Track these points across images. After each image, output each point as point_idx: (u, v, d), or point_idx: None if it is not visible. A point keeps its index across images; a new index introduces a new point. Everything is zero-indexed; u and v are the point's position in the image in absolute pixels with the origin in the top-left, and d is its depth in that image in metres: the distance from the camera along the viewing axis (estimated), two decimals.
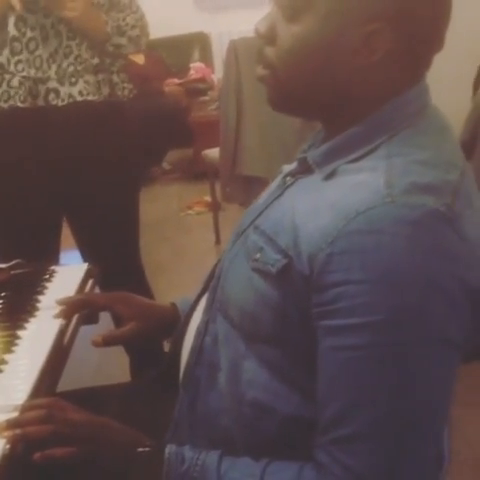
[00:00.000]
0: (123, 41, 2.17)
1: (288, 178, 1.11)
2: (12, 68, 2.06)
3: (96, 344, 1.32)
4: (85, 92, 2.11)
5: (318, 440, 0.96)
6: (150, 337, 1.42)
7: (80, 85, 2.11)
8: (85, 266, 1.70)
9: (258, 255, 1.04)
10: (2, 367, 1.23)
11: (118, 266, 2.24)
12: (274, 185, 1.16)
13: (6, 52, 2.06)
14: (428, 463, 0.97)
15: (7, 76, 2.07)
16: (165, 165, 6.21)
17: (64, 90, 2.09)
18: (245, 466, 1.02)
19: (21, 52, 2.06)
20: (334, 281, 0.93)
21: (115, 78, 2.21)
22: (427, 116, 1.03)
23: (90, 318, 1.57)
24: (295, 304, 0.98)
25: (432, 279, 0.91)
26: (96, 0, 2.12)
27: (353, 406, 0.93)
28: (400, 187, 0.93)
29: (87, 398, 1.20)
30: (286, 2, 1.01)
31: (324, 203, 0.97)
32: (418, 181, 0.94)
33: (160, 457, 1.04)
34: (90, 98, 2.12)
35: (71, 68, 2.09)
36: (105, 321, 1.69)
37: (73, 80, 2.10)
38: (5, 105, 2.08)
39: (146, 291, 2.38)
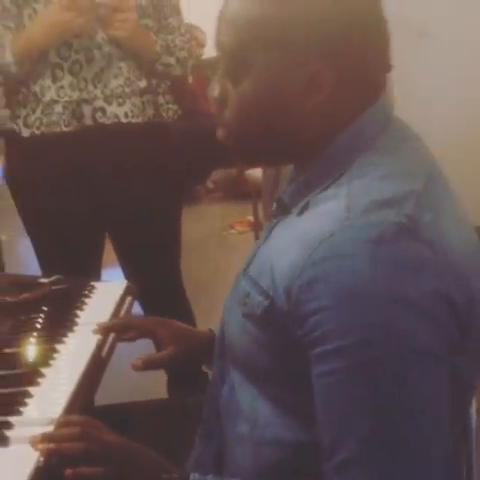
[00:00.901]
0: (172, 61, 2.20)
1: (273, 220, 1.13)
2: (53, 95, 2.09)
3: (136, 368, 1.35)
4: (130, 114, 2.14)
5: (324, 467, 0.97)
6: (188, 362, 1.43)
7: (126, 107, 2.13)
8: (124, 283, 1.72)
9: (246, 300, 1.06)
10: (40, 380, 1.25)
11: (159, 284, 2.26)
12: (266, 228, 1.18)
13: (45, 80, 2.09)
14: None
15: (42, 104, 2.10)
16: (209, 184, 6.25)
17: (111, 109, 2.12)
18: None
19: (63, 78, 2.09)
20: (308, 311, 0.94)
21: (160, 99, 2.24)
22: (387, 133, 1.04)
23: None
24: (286, 341, 1.00)
25: (398, 294, 0.91)
26: (145, 22, 2.16)
27: (342, 431, 0.93)
28: (359, 208, 0.95)
29: (123, 413, 1.22)
30: (227, 67, 1.04)
31: (294, 238, 0.99)
32: (378, 198, 0.95)
33: None
34: (134, 121, 2.15)
35: (119, 90, 2.12)
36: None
37: (120, 101, 2.13)
38: (38, 131, 2.11)
39: (186, 310, 2.39)
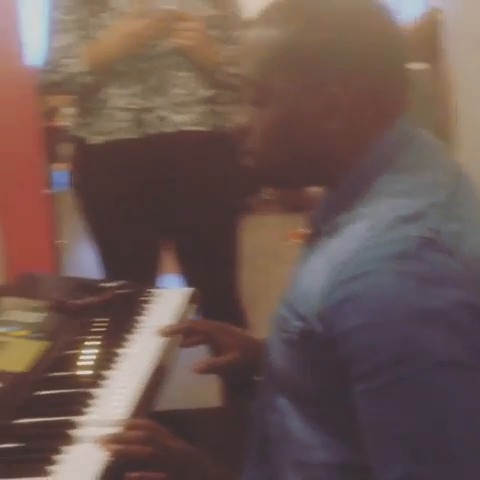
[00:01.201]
0: (233, 71, 2.22)
1: (307, 244, 1.14)
2: (118, 102, 2.14)
3: (199, 371, 1.36)
4: (191, 122, 2.17)
5: None
6: (249, 368, 1.44)
7: (187, 115, 2.17)
8: (189, 291, 1.74)
9: (284, 326, 1.07)
10: (104, 383, 1.28)
11: (217, 294, 2.27)
12: (301, 252, 1.20)
13: (111, 88, 2.14)
14: None
15: (108, 111, 2.15)
16: (265, 196, 6.26)
17: (172, 118, 2.16)
18: None
19: (129, 86, 2.14)
20: (340, 333, 0.95)
21: (222, 109, 2.27)
22: (408, 150, 1.05)
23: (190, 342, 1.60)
24: (325, 364, 1.00)
25: (425, 307, 0.91)
26: (210, 33, 2.19)
27: (389, 449, 0.93)
28: (382, 226, 0.96)
29: (179, 419, 1.23)
30: (249, 93, 1.08)
31: (324, 261, 1.01)
32: (400, 214, 0.96)
33: None
34: (195, 128, 2.18)
35: (181, 98, 2.16)
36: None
37: (182, 109, 2.16)
38: (105, 138, 2.16)
39: (243, 320, 2.40)
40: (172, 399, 1.71)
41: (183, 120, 2.16)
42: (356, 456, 1.02)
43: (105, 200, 2.24)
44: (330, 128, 1.03)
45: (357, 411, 0.97)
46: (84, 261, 4.57)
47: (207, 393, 2.66)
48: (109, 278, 1.75)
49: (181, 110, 2.16)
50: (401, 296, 0.91)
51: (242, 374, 1.58)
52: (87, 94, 2.18)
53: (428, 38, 4.21)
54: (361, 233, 0.97)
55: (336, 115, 1.02)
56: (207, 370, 1.37)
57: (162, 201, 2.25)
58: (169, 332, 1.45)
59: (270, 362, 1.17)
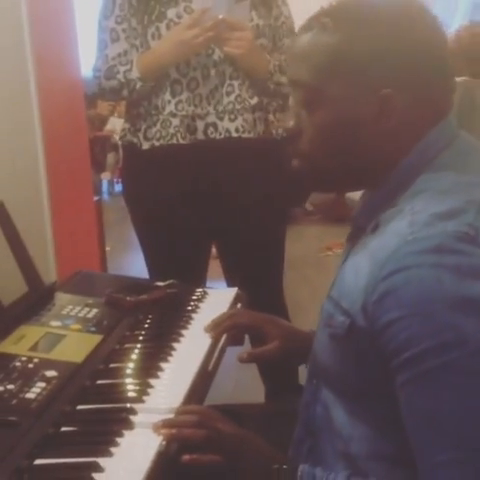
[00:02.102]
0: (284, 80, 2.25)
1: (349, 241, 1.19)
2: (171, 108, 2.19)
3: (242, 360, 1.41)
4: (241, 129, 2.21)
5: (419, 475, 1.00)
6: (290, 358, 1.49)
7: (238, 122, 2.20)
8: (235, 290, 1.80)
9: (330, 321, 1.12)
10: (159, 373, 1.33)
11: (262, 298, 2.30)
12: (343, 251, 1.24)
13: (165, 95, 2.19)
14: None
15: (161, 117, 2.20)
16: (308, 206, 6.30)
17: (222, 125, 2.20)
18: None
19: (181, 93, 2.18)
20: (383, 325, 1.00)
21: (271, 117, 2.30)
22: (450, 149, 1.09)
23: (236, 340, 1.66)
24: (370, 357, 1.05)
25: (462, 296, 0.95)
26: (260, 42, 2.23)
27: (431, 437, 0.97)
28: (421, 222, 1.00)
29: (226, 413, 1.27)
30: (301, 97, 1.12)
31: (367, 257, 1.05)
32: (439, 211, 1.00)
33: (294, 475, 1.10)
34: (245, 135, 2.22)
35: (230, 106, 2.20)
36: (247, 344, 1.76)
37: (232, 117, 2.20)
38: (158, 143, 2.21)
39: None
40: (218, 394, 1.75)
41: (232, 127, 2.20)
42: (400, 448, 1.06)
43: (156, 204, 2.29)
44: (383, 130, 1.07)
45: (399, 402, 1.01)
46: (128, 267, 4.67)
47: (251, 390, 2.70)
48: (160, 279, 1.80)
49: (231, 117, 2.20)
50: (438, 287, 0.95)
51: (286, 364, 1.62)
52: (140, 100, 2.24)
53: (471, 50, 4.21)
54: (401, 229, 1.02)
55: (389, 117, 1.07)
56: (249, 359, 1.42)
57: (210, 206, 2.29)
58: (216, 333, 1.50)
59: (315, 356, 1.22)
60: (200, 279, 2.38)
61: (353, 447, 1.14)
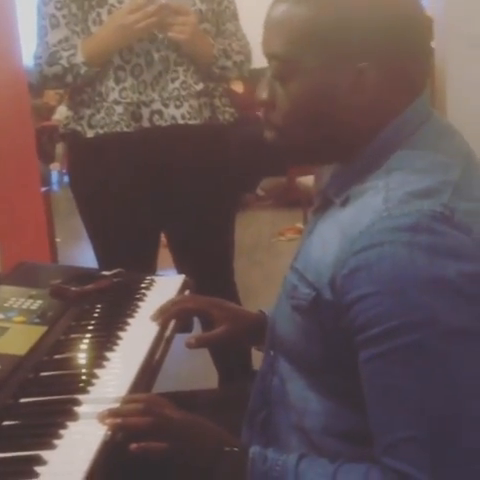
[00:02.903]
0: (228, 64, 2.25)
1: (316, 213, 1.18)
2: (115, 96, 2.16)
3: (189, 345, 1.39)
4: (187, 116, 2.19)
5: (375, 452, 1.00)
6: (240, 341, 1.48)
7: (183, 109, 2.19)
8: (182, 277, 1.78)
9: (294, 293, 1.12)
10: (104, 363, 1.31)
11: (212, 285, 2.30)
12: (308, 223, 1.24)
13: (109, 82, 2.17)
14: None
15: (105, 104, 2.17)
16: (259, 192, 6.30)
17: (168, 112, 2.18)
18: (321, 467, 1.06)
19: (125, 80, 2.16)
20: (352, 300, 0.99)
21: (217, 102, 2.29)
22: (426, 128, 1.09)
23: (184, 326, 1.65)
24: (333, 331, 1.05)
25: (435, 276, 0.95)
26: (204, 26, 2.21)
27: (392, 413, 0.97)
28: (396, 199, 1.00)
29: (176, 401, 1.26)
30: (276, 69, 1.10)
31: (337, 230, 1.05)
32: (414, 189, 1.01)
33: (245, 457, 1.09)
34: (192, 122, 2.20)
35: (176, 92, 2.18)
36: (198, 330, 1.76)
37: (177, 103, 2.18)
38: (102, 131, 2.18)
39: None
40: (170, 381, 1.74)
41: (178, 114, 2.18)
42: (357, 424, 1.07)
43: (103, 193, 2.26)
44: (357, 103, 1.06)
45: (362, 376, 1.01)
46: (79, 258, 4.62)
47: (204, 376, 2.70)
48: (107, 268, 1.78)
49: (177, 104, 2.18)
50: (413, 265, 0.96)
51: (236, 348, 1.61)
52: (83, 87, 2.21)
53: None
54: (376, 205, 1.01)
55: (364, 90, 1.05)
56: (197, 344, 1.40)
57: (158, 194, 2.28)
58: (163, 320, 1.48)
59: (275, 328, 1.21)
60: (150, 268, 2.35)
61: (307, 421, 1.14)
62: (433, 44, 3.73)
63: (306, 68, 1.06)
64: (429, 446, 0.95)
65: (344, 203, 1.08)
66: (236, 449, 1.11)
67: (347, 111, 1.07)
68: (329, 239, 1.06)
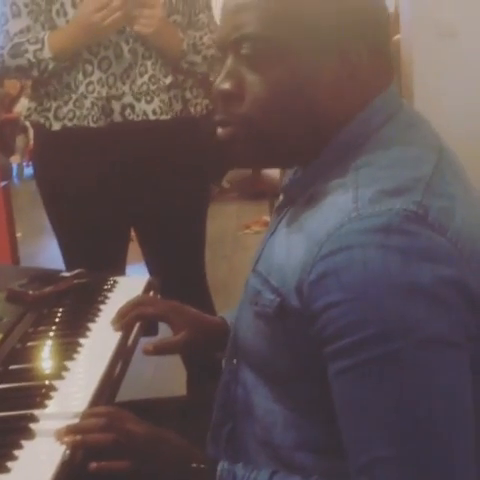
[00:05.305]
0: (197, 59, 2.19)
1: (279, 212, 1.11)
2: (83, 89, 2.09)
3: (147, 352, 1.32)
4: (159, 111, 2.13)
5: (349, 468, 0.94)
6: (200, 348, 1.42)
7: (154, 104, 2.13)
8: (146, 278, 1.72)
9: (257, 299, 1.04)
10: (63, 374, 1.24)
11: (183, 281, 2.25)
12: (271, 222, 1.16)
13: (78, 75, 2.10)
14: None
15: (74, 96, 2.10)
16: (224, 184, 6.25)
17: (139, 106, 2.12)
18: None
19: (92, 73, 2.09)
20: (319, 308, 0.92)
21: (188, 94, 2.23)
22: (394, 121, 1.02)
23: (150, 330, 1.58)
24: (300, 340, 0.98)
25: (410, 282, 0.89)
26: (174, 18, 2.15)
27: (365, 429, 0.91)
28: (366, 198, 0.93)
29: (143, 410, 1.20)
30: (254, 52, 0.99)
31: (302, 232, 0.98)
32: (385, 187, 0.93)
33: (213, 474, 1.03)
34: (163, 117, 2.14)
35: (145, 87, 2.12)
36: (166, 333, 1.69)
37: (148, 98, 2.13)
38: (70, 123, 2.11)
39: (209, 306, 2.38)
40: (135, 390, 1.68)
41: (149, 109, 2.12)
42: (328, 438, 1.00)
43: (70, 188, 2.18)
44: (325, 95, 0.99)
45: (331, 390, 0.94)
46: (41, 253, 4.54)
47: (171, 383, 2.65)
48: (72, 268, 1.71)
49: (147, 99, 2.12)
50: (385, 270, 0.88)
51: (197, 353, 1.55)
52: (50, 78, 2.13)
53: None
54: (344, 205, 0.94)
55: (352, 70, 0.98)
56: (154, 352, 1.32)
57: (128, 190, 2.21)
58: (122, 325, 1.41)
59: (238, 335, 1.14)
60: (119, 264, 2.29)
61: (276, 436, 1.07)
62: (398, 36, 3.69)
63: (289, 52, 0.97)
64: (413, 468, 0.89)
65: (308, 202, 1.01)
66: (203, 466, 1.05)
67: (316, 103, 0.99)
68: (294, 241, 0.99)
